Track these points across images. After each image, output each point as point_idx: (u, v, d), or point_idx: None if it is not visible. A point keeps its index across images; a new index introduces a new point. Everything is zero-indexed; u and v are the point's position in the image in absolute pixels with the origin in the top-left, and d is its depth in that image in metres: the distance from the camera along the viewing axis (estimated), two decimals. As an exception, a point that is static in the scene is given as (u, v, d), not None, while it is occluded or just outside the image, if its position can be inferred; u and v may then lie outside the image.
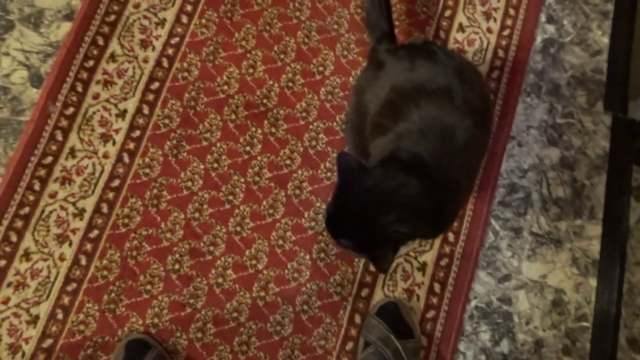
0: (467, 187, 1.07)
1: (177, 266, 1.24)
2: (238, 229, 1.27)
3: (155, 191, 1.27)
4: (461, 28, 1.43)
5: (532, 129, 1.36)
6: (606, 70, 1.41)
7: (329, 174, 1.31)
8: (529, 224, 1.30)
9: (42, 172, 1.26)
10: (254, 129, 1.33)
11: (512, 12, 1.45)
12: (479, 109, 0.99)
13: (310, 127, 1.34)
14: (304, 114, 1.35)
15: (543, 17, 1.45)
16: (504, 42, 1.42)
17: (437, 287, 1.26)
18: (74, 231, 1.24)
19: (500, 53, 1.41)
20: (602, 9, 1.45)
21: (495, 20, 1.44)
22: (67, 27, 1.36)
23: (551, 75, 1.40)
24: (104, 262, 1.23)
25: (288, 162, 1.32)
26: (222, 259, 1.25)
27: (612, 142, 1.36)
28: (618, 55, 1.40)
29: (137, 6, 1.39)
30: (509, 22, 1.44)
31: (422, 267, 1.27)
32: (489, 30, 1.43)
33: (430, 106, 0.95)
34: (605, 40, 1.43)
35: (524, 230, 1.30)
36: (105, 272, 1.22)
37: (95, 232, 1.24)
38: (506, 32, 1.43)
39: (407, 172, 0.92)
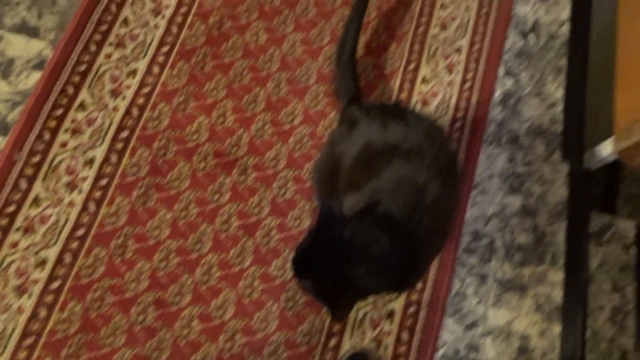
0: (438, 244, 1.10)
1: (141, 317, 1.21)
2: (205, 278, 1.26)
3: (120, 240, 1.26)
4: (425, 81, 1.49)
5: (494, 178, 1.41)
6: (562, 121, 1.47)
7: (297, 222, 1.32)
8: (494, 270, 1.33)
9: (3, 222, 1.24)
10: (223, 177, 1.34)
11: (472, 66, 1.52)
12: (447, 169, 1.03)
13: (279, 175, 1.36)
14: (273, 163, 1.37)
15: (501, 71, 1.52)
16: (465, 94, 1.48)
17: (405, 336, 1.26)
18: (34, 282, 1.21)
19: (463, 104, 1.47)
20: (556, 64, 1.54)
21: (457, 73, 1.51)
22: (37, 76, 1.37)
23: (511, 125, 1.46)
24: (65, 314, 1.19)
25: (257, 210, 1.32)
26: (188, 309, 1.23)
27: (570, 190, 1.41)
28: (572, 108, 1.47)
29: (108, 56, 1.41)
30: (469, 75, 1.51)
31: (390, 315, 1.27)
32: (451, 82, 1.50)
33: (402, 165, 0.99)
34: (560, 93, 1.50)
35: (489, 277, 1.32)
36: (65, 325, 1.19)
37: (57, 283, 1.21)
38: (467, 85, 1.50)
39: (381, 228, 0.95)
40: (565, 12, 1.59)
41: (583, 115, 1.47)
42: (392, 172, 0.99)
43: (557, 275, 1.34)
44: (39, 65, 1.39)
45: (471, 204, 1.38)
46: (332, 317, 0.94)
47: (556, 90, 1.51)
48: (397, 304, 1.28)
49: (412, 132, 1.04)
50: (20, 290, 1.20)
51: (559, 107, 1.49)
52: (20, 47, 1.40)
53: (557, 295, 1.32)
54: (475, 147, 1.43)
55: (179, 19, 1.48)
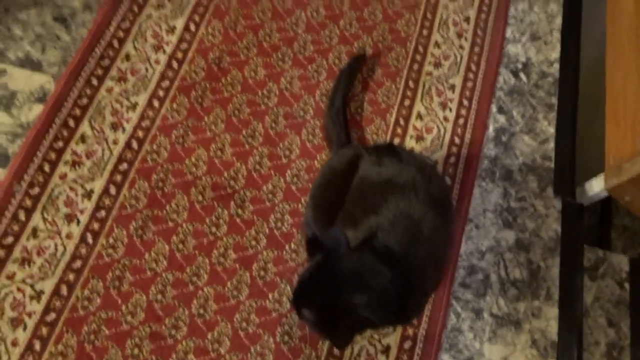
0: (435, 278, 1.11)
1: (136, 351, 1.20)
2: (201, 311, 1.25)
3: (117, 272, 1.26)
4: (420, 116, 1.53)
5: (488, 212, 1.43)
6: (554, 157, 1.51)
7: (294, 255, 1.33)
8: (489, 305, 1.33)
9: (1, 253, 1.24)
10: (220, 210, 1.35)
11: (465, 103, 1.55)
12: (440, 202, 1.06)
13: (276, 208, 1.37)
14: (270, 196, 1.38)
15: (494, 108, 1.56)
16: (459, 130, 1.52)
17: (401, 371, 1.26)
18: (29, 314, 1.20)
19: (457, 140, 1.50)
20: (547, 101, 1.58)
21: (450, 110, 1.54)
22: (38, 109, 1.39)
23: (504, 161, 1.49)
24: (59, 347, 1.18)
25: (253, 243, 1.33)
26: (184, 342, 1.22)
27: (563, 225, 1.43)
28: (563, 144, 1.51)
29: (109, 90, 1.44)
30: (463, 112, 1.54)
31: (386, 350, 1.27)
32: (445, 119, 1.53)
33: (398, 200, 1.02)
34: (552, 130, 1.54)
35: (484, 312, 1.33)
36: (59, 359, 1.18)
37: (53, 316, 1.21)
38: (461, 121, 1.53)
39: (381, 261, 0.96)
40: (555, 52, 1.65)
41: (574, 152, 1.51)
42: (389, 207, 1.01)
43: (552, 311, 1.35)
44: (41, 99, 1.41)
45: (466, 238, 1.39)
46: (335, 345, 0.95)
47: (548, 127, 1.55)
48: (393, 338, 1.28)
49: (406, 167, 1.07)
50: (15, 323, 1.19)
51: (551, 144, 1.52)
52: (23, 81, 1.43)
53: (553, 330, 1.33)
54: (469, 182, 1.45)
55: (179, 54, 1.51)
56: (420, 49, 1.62)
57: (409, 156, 1.12)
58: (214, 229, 1.33)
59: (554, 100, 1.58)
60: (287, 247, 1.34)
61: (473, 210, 1.43)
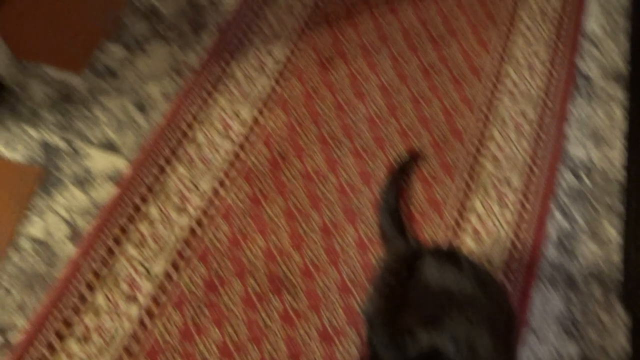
0: None
1: None
2: (249, 406, 1.24)
3: (170, 358, 1.27)
4: (478, 216, 1.51)
5: (548, 321, 1.37)
6: (621, 267, 1.44)
7: (345, 353, 1.31)
8: None
9: (64, 332, 1.28)
10: (274, 300, 1.36)
11: (526, 204, 1.53)
12: (501, 321, 1.03)
13: (329, 302, 1.37)
14: (324, 289, 1.38)
15: (555, 210, 1.53)
16: (519, 233, 1.49)
17: None
18: (83, 395, 1.22)
19: (516, 244, 1.47)
20: (612, 206, 1.54)
21: (510, 211, 1.52)
22: (112, 189, 1.48)
23: (566, 267, 1.44)
24: None
25: (305, 337, 1.32)
26: None
27: (633, 343, 1.35)
28: (632, 255, 1.45)
29: (178, 175, 1.52)
30: (523, 213, 1.52)
31: None
32: (505, 219, 1.51)
33: (457, 316, 0.99)
34: (617, 235, 1.49)
35: None
36: None
37: (105, 399, 1.22)
38: (521, 224, 1.51)
39: None
40: (618, 155, 1.62)
41: (643, 263, 1.44)
42: (447, 323, 0.99)
43: None
44: (115, 179, 1.50)
45: (524, 348, 1.33)
46: None
47: (613, 233, 1.50)
48: None
49: (468, 281, 1.05)
50: (69, 403, 1.21)
51: (617, 252, 1.47)
52: (101, 162, 1.52)
53: None
54: (529, 288, 1.40)
55: (245, 144, 1.59)
56: (480, 146, 1.63)
57: (471, 266, 1.11)
58: (266, 319, 1.33)
59: (618, 204, 1.54)
60: (338, 343, 1.32)
61: (533, 318, 1.37)
